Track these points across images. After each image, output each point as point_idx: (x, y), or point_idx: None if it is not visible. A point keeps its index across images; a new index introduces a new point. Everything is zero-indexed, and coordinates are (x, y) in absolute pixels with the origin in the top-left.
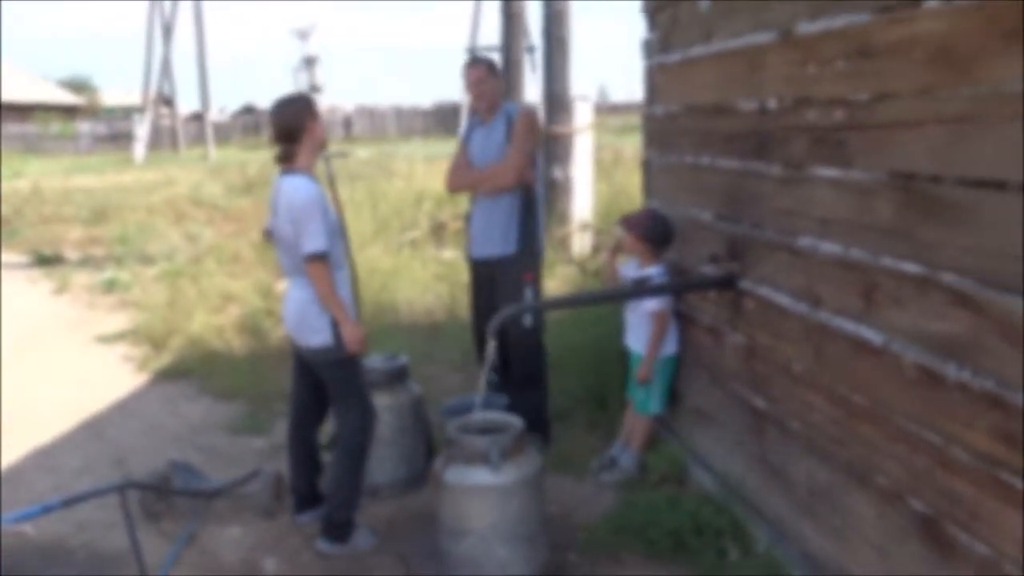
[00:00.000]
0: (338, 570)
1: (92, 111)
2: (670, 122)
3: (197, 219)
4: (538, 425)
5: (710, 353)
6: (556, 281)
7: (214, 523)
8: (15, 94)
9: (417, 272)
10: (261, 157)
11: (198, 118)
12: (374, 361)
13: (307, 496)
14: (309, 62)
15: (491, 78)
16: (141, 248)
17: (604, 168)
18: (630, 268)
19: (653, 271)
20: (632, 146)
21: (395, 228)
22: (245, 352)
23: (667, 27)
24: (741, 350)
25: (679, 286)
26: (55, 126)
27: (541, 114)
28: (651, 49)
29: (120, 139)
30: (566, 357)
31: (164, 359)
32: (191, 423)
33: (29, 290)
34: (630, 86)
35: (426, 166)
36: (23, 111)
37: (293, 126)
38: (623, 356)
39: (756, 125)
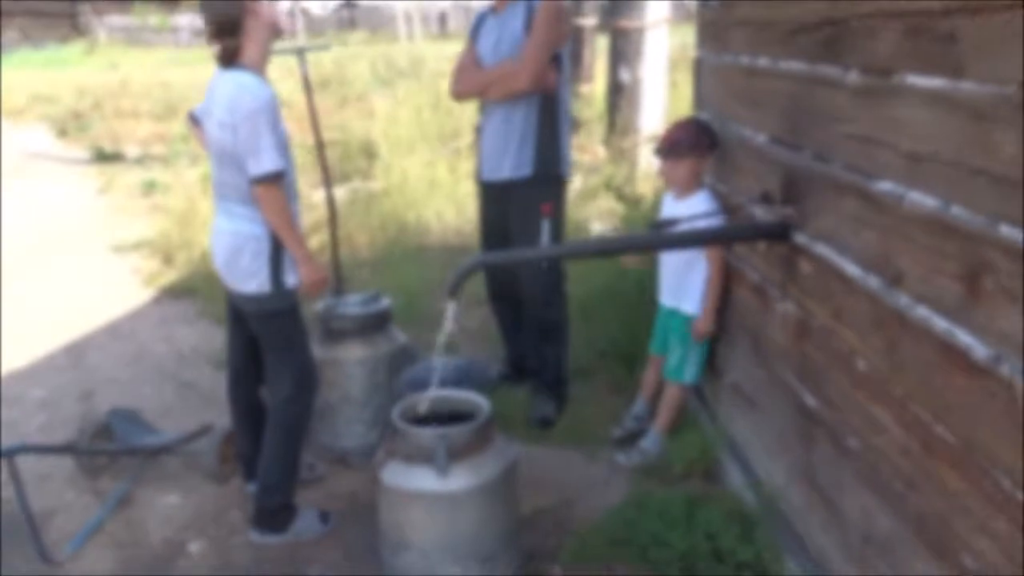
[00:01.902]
0: (269, 562)
1: (195, 3)
2: (725, 10)
3: None
4: (554, 384)
5: (755, 319)
6: (601, 215)
7: (154, 485)
8: None
9: (454, 185)
10: (351, 51)
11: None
12: (349, 303)
13: (255, 461)
14: None
15: None
16: (199, 147)
17: (687, 69)
18: (666, 200)
19: (696, 204)
20: None
21: (443, 136)
22: None
23: None
24: (792, 324)
25: (711, 234)
26: (152, 18)
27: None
28: None
29: None
30: (589, 303)
31: (172, 275)
32: (180, 351)
33: (74, 188)
34: None
35: None
36: (124, 2)
37: (229, 13)
38: (655, 305)
39: (829, 11)
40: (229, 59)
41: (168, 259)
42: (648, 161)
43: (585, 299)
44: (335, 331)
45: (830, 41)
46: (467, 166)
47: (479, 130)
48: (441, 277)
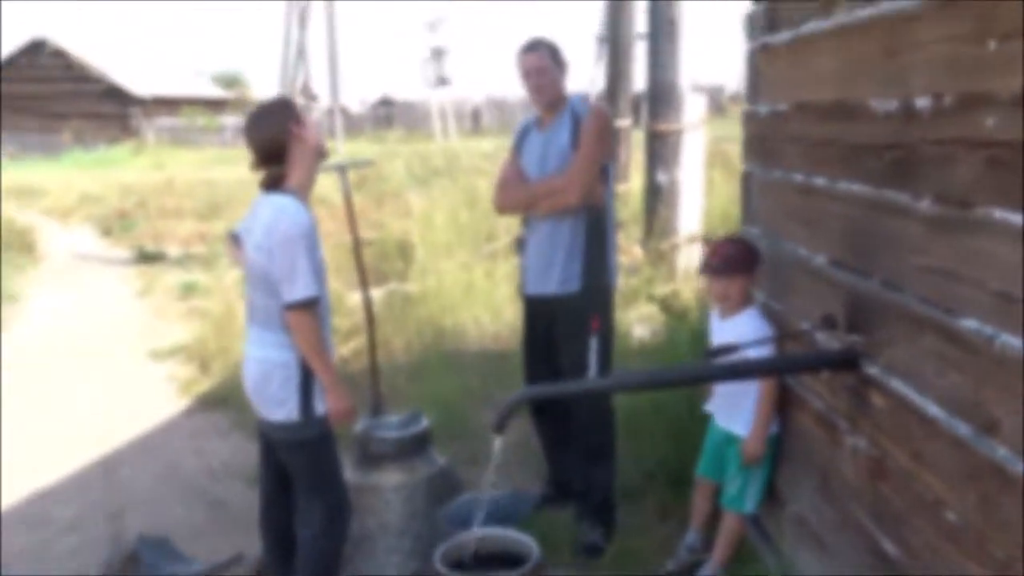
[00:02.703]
0: None
1: (240, 105)
2: (776, 124)
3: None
4: (601, 508)
5: (822, 451)
6: (642, 319)
7: None
8: (166, 89)
9: (492, 290)
10: (385, 149)
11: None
12: (387, 425)
13: None
14: (437, 54)
15: (554, 67)
16: None
17: (722, 166)
18: (713, 319)
19: (745, 323)
20: None
21: (479, 237)
22: None
23: None
24: (865, 461)
25: (774, 364)
26: (200, 119)
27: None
28: (754, 26)
29: None
30: (636, 420)
31: (207, 382)
32: (211, 467)
33: (115, 290)
34: None
35: None
36: (173, 105)
37: (276, 141)
38: (705, 421)
39: (896, 134)
40: (274, 185)
41: (204, 366)
42: (687, 263)
43: (631, 413)
44: (372, 455)
45: (898, 165)
46: (504, 269)
47: (522, 242)
48: (480, 387)
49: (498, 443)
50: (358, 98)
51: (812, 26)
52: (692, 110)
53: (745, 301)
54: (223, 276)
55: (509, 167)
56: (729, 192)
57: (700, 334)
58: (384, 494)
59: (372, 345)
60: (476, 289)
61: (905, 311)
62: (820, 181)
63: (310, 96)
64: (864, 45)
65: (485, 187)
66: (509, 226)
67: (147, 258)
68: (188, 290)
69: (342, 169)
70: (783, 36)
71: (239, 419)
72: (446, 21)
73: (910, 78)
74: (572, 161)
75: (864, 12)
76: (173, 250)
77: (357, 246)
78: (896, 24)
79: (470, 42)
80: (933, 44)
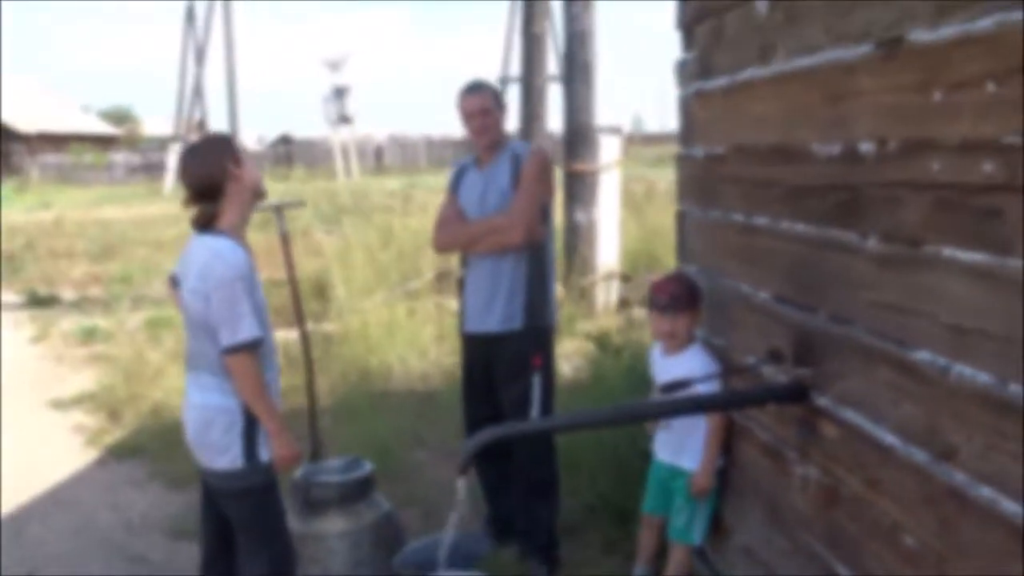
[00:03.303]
0: None
1: (131, 141)
2: (712, 167)
3: None
4: (547, 546)
5: (769, 482)
6: (567, 355)
7: None
8: (52, 124)
9: (416, 329)
10: (290, 188)
11: None
12: (329, 470)
13: None
14: (340, 92)
15: (496, 108)
16: (140, 289)
17: (635, 204)
18: (655, 356)
19: (692, 358)
20: (667, 180)
21: (399, 275)
22: None
23: (708, 43)
24: (816, 490)
25: (726, 399)
26: (88, 156)
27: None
28: (687, 73)
29: (154, 169)
30: (574, 455)
31: (118, 432)
32: (129, 520)
33: (7, 336)
34: (664, 115)
35: None
36: (60, 141)
37: (212, 178)
38: (645, 455)
39: (840, 176)
40: (206, 224)
41: (114, 415)
42: (606, 298)
43: (570, 449)
44: (314, 501)
45: (842, 206)
46: (426, 308)
47: (461, 282)
48: (411, 428)
49: (462, 485)
50: (256, 135)
51: (750, 72)
52: (607, 150)
53: (690, 338)
54: (125, 320)
55: (448, 206)
56: (635, 230)
57: (632, 370)
58: (328, 542)
59: (311, 386)
60: (400, 328)
61: (856, 344)
62: (762, 220)
63: (206, 133)
64: (805, 92)
65: (400, 225)
66: (428, 265)
67: (39, 302)
68: (88, 335)
69: (277, 209)
70: (719, 82)
71: (156, 469)
72: (349, 59)
73: (853, 124)
74: (514, 200)
75: (804, 61)
76: (67, 293)
77: (294, 287)
78: (837, 73)
79: (372, 80)
80: (876, 93)
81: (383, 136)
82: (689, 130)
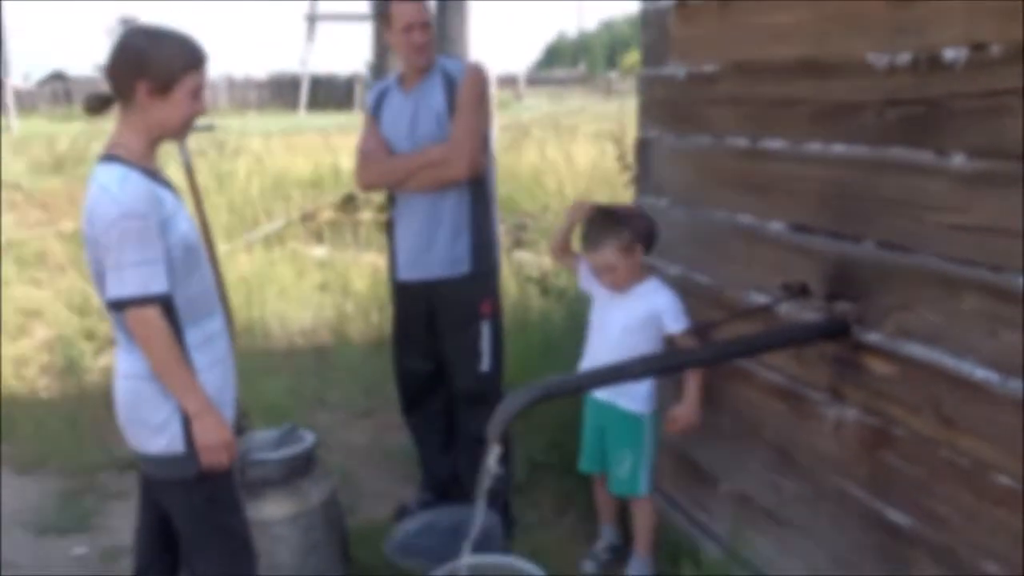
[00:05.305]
0: None
1: None
2: (698, 87)
3: None
4: (496, 506)
5: (778, 425)
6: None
7: None
8: None
9: (289, 279)
10: (73, 129)
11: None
12: (263, 444)
13: None
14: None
15: (432, 22)
16: None
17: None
18: (601, 294)
19: (653, 292)
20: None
21: (251, 221)
22: (56, 396)
23: None
24: (859, 432)
25: (764, 340)
26: None
27: None
28: None
29: None
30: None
31: None
32: None
33: None
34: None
35: (283, 142)
36: None
37: (121, 77)
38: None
39: (908, 89)
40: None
41: None
42: None
43: None
44: (251, 482)
45: (911, 121)
46: (282, 257)
47: (390, 223)
48: (308, 388)
49: (495, 451)
50: (21, 72)
51: None
52: None
53: (639, 272)
54: None
55: (370, 136)
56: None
57: (577, 313)
58: (273, 529)
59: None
60: (271, 278)
61: (926, 272)
62: (777, 144)
63: None
64: None
65: (242, 168)
66: (273, 211)
67: None
68: None
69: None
70: None
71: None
72: None
73: (931, 29)
74: (454, 128)
75: None
76: None
77: (207, 230)
78: None
79: (163, 10)
80: None
81: None
82: (659, 49)
